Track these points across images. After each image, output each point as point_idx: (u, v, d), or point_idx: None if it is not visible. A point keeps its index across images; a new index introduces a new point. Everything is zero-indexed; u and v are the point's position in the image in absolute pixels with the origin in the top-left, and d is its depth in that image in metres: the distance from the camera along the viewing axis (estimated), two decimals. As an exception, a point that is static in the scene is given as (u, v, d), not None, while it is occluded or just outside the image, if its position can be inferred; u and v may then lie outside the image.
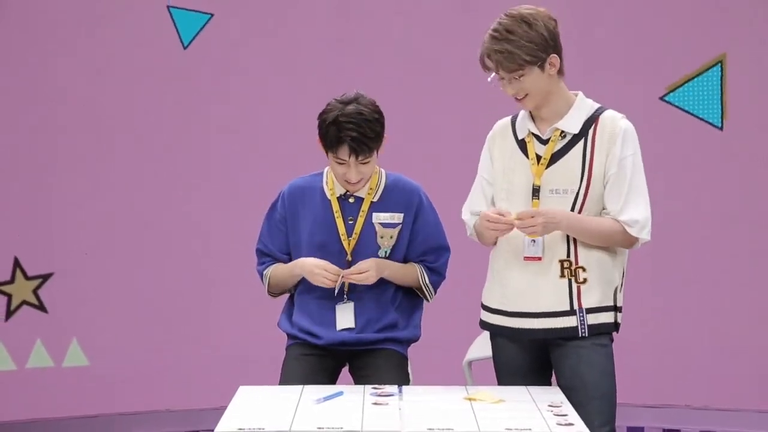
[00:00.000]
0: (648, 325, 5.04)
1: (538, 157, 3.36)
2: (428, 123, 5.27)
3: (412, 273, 3.66)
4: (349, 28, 5.31)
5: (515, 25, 3.27)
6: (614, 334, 3.42)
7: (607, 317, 3.37)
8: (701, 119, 5.28)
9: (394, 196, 3.65)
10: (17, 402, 5.16)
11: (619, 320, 3.42)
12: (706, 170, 5.25)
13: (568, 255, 3.35)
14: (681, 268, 5.20)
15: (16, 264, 5.15)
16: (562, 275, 3.35)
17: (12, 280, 5.17)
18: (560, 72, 3.35)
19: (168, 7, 5.23)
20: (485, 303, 3.52)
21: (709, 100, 5.30)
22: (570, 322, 3.33)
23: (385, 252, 3.63)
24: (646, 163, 3.37)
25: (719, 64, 5.27)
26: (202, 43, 5.28)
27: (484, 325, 3.53)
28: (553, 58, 3.31)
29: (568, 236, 3.34)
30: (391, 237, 3.63)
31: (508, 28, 3.27)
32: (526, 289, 3.37)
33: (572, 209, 3.33)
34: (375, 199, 3.63)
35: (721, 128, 5.25)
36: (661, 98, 5.30)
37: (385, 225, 3.63)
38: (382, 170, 3.69)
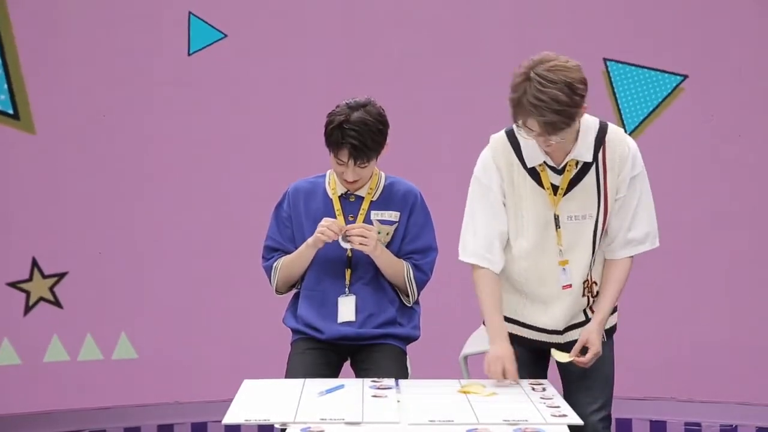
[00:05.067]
0: (635, 321, 5.00)
1: (554, 187, 3.24)
2: (428, 129, 5.23)
3: (399, 266, 3.63)
4: (353, 38, 5.27)
5: (561, 94, 3.02)
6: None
7: (615, 318, 3.39)
8: (619, 112, 5.23)
9: (392, 196, 3.66)
10: (34, 394, 5.12)
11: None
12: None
13: (588, 276, 3.30)
14: (663, 266, 5.15)
15: (34, 263, 5.12)
16: (584, 294, 3.31)
17: (30, 278, 5.13)
18: None
19: (189, 12, 5.18)
20: None
21: (642, 100, 5.23)
22: None
23: (380, 246, 3.65)
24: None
25: (681, 78, 5.20)
26: (211, 54, 5.24)
27: None
28: (583, 107, 3.13)
29: (590, 260, 3.28)
30: (387, 233, 3.63)
31: (554, 98, 3.01)
32: (547, 309, 3.32)
33: (594, 233, 3.25)
34: (374, 199, 3.64)
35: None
36: (605, 59, 5.20)
37: (382, 222, 3.63)
38: (382, 173, 3.70)
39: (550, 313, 3.32)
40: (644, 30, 5.19)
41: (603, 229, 3.26)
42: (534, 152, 3.23)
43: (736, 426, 5.15)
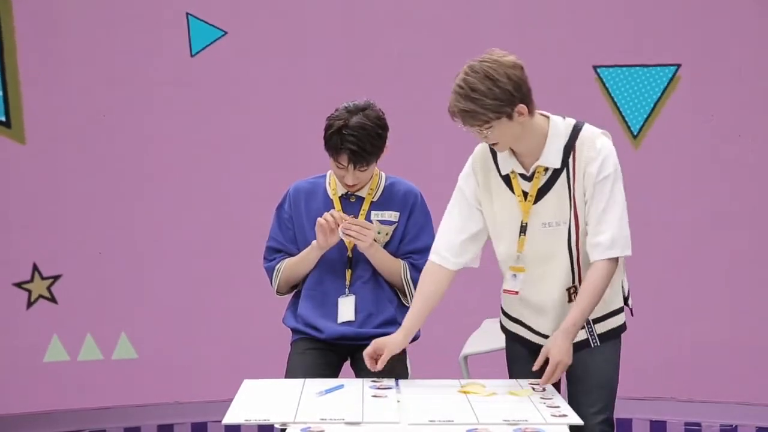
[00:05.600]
0: (635, 321, 4.99)
1: (525, 194, 3.23)
2: (427, 129, 5.22)
3: (396, 265, 3.64)
4: (353, 38, 5.27)
5: (479, 83, 3.06)
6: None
7: (617, 320, 3.34)
8: (621, 115, 5.22)
9: (393, 196, 3.66)
10: (34, 394, 5.12)
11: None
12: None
13: (573, 281, 3.26)
14: (663, 266, 5.16)
15: (34, 263, 5.11)
16: (570, 300, 3.27)
17: (30, 279, 5.12)
18: (530, 113, 3.15)
19: (187, 14, 5.18)
20: (505, 309, 3.45)
21: (640, 100, 5.22)
22: (580, 335, 3.26)
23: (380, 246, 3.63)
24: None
25: (674, 68, 5.19)
26: (211, 53, 5.24)
27: (504, 329, 3.47)
28: (521, 107, 3.10)
29: (571, 267, 3.24)
30: (387, 234, 3.64)
31: (471, 86, 3.07)
32: (539, 315, 3.31)
33: (568, 240, 3.21)
34: (375, 199, 3.64)
35: (635, 136, 5.19)
36: (595, 67, 5.21)
37: (382, 222, 3.63)
38: (383, 173, 3.70)
39: (541, 318, 3.31)
40: (645, 31, 5.19)
41: (577, 235, 3.21)
42: (506, 159, 3.24)
43: (736, 426, 5.14)
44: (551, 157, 3.19)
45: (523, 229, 3.22)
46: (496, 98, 3.05)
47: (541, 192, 3.21)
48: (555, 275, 3.25)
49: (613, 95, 5.19)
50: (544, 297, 3.27)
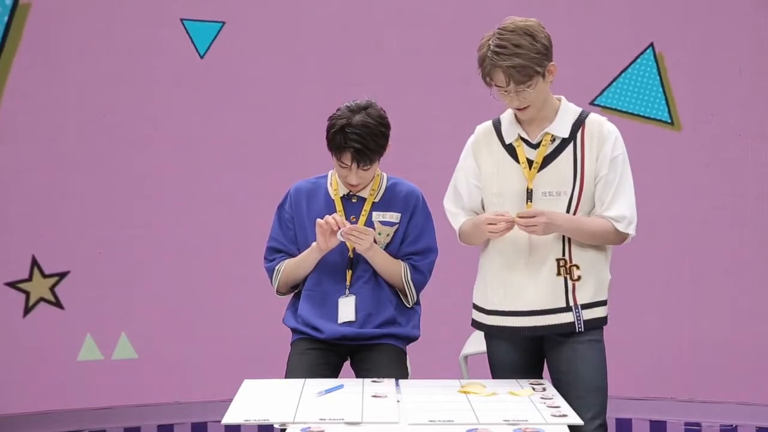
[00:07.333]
0: (635, 321, 5.00)
1: (530, 161, 3.30)
2: (428, 129, 5.23)
3: (396, 267, 3.63)
4: (355, 35, 5.27)
5: (520, 38, 3.18)
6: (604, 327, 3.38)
7: (600, 311, 3.34)
8: (646, 117, 5.21)
9: (394, 197, 3.66)
10: (34, 394, 5.12)
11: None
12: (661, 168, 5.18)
13: (563, 254, 3.29)
14: (663, 265, 5.15)
15: (34, 263, 5.11)
16: (558, 273, 3.29)
17: (30, 279, 5.12)
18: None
19: (181, 20, 5.19)
20: (479, 304, 3.44)
21: (648, 93, 5.21)
22: (566, 318, 3.29)
23: (381, 247, 3.63)
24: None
25: (650, 49, 5.18)
26: (218, 51, 5.24)
27: (479, 325, 3.46)
28: (552, 66, 3.25)
29: (563, 237, 3.29)
30: (388, 235, 3.64)
31: (514, 42, 3.17)
32: (524, 288, 3.31)
33: (567, 211, 3.28)
34: (376, 200, 3.65)
35: (671, 123, 5.19)
36: (591, 103, 5.21)
37: (383, 223, 3.63)
38: (384, 174, 3.71)
39: (528, 291, 3.30)
40: (646, 31, 5.19)
41: (577, 207, 3.27)
42: (510, 128, 3.35)
43: (736, 426, 5.14)
44: (561, 127, 3.30)
45: (529, 196, 3.28)
46: (538, 52, 3.20)
47: (546, 161, 3.29)
48: (547, 245, 3.28)
49: (625, 110, 5.20)
50: (534, 266, 3.28)
